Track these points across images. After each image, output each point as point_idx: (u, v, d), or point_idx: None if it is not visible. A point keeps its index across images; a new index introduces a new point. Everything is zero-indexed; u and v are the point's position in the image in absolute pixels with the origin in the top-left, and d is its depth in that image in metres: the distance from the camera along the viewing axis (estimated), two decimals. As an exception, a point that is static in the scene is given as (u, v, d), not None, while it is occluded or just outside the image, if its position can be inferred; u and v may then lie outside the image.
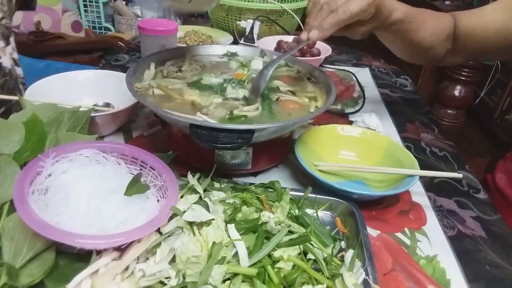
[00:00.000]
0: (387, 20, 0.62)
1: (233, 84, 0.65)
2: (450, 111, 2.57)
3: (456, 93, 2.52)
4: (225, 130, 0.49)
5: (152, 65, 0.68)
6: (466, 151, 2.51)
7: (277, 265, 0.42)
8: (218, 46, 0.80)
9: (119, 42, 1.81)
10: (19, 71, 0.96)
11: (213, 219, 0.44)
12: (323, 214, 0.54)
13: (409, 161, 0.61)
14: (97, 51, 1.90)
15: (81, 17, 2.03)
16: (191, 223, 0.44)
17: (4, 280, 0.38)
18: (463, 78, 2.47)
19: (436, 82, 2.64)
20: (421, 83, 2.69)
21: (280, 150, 0.65)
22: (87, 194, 0.44)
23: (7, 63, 0.85)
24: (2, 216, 0.42)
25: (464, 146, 2.57)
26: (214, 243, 0.41)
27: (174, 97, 0.61)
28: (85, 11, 2.10)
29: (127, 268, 0.40)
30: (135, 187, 0.46)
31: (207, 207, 0.46)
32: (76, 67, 1.64)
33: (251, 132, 0.49)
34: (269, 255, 0.43)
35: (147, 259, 0.42)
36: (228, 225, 0.44)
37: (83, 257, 0.41)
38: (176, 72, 0.68)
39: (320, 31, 0.58)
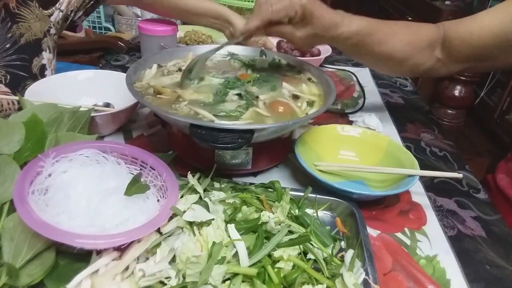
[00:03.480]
0: (332, 31, 0.62)
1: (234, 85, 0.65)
2: (450, 111, 2.56)
3: (456, 93, 2.51)
4: (225, 130, 0.49)
5: (155, 66, 0.68)
6: (466, 151, 2.51)
7: (277, 265, 0.42)
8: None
9: (119, 42, 1.81)
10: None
11: (213, 219, 0.44)
12: (323, 214, 0.55)
13: (409, 161, 0.61)
14: (97, 51, 1.89)
15: (81, 17, 2.03)
16: (191, 223, 0.44)
17: (4, 280, 0.38)
18: (463, 78, 2.46)
19: (436, 82, 2.63)
20: (421, 83, 2.68)
21: (280, 150, 0.65)
22: (87, 194, 0.44)
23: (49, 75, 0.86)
24: (2, 216, 0.42)
25: (464, 146, 2.56)
26: (214, 243, 0.41)
27: (166, 93, 0.60)
28: (85, 11, 2.09)
29: (127, 268, 0.40)
30: (135, 187, 0.46)
31: (207, 207, 0.46)
32: (76, 67, 1.64)
33: (251, 132, 0.49)
34: (269, 255, 0.43)
35: (147, 259, 0.42)
36: (228, 225, 0.44)
37: (83, 257, 0.42)
38: (177, 71, 0.68)
39: (245, 25, 0.61)
